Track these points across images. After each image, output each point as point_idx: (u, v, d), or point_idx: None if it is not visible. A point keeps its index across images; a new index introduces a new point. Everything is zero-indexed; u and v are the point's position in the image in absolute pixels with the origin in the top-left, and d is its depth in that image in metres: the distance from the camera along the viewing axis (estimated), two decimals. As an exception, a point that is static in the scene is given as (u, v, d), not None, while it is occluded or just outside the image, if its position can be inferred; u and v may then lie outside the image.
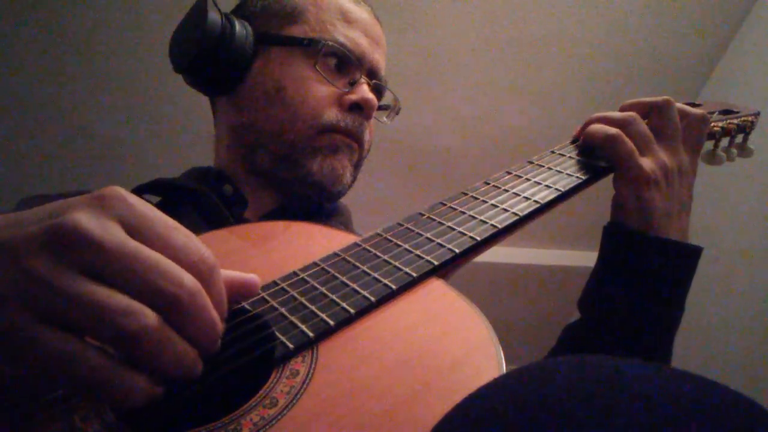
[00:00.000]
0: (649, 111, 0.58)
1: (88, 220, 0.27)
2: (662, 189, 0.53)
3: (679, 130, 0.56)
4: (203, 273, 0.30)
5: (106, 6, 1.12)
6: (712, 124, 0.66)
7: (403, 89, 0.83)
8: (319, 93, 0.65)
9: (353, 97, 0.65)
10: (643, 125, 0.55)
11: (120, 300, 0.26)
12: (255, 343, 0.36)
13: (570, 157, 0.58)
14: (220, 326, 0.31)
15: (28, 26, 1.10)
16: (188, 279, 0.28)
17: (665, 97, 0.57)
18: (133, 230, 0.29)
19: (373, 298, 0.39)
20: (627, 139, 0.53)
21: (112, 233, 0.27)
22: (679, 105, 0.58)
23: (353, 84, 0.67)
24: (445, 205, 0.51)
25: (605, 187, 0.59)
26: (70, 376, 0.26)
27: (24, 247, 0.26)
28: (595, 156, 0.57)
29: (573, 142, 0.61)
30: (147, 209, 0.30)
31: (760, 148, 0.77)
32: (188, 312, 0.28)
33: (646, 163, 0.53)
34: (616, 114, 0.57)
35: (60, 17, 1.11)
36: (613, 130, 0.54)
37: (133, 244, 0.28)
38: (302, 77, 0.65)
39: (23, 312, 0.25)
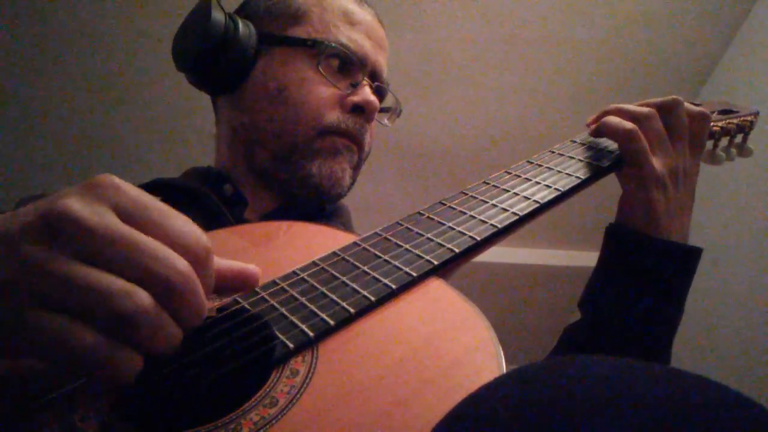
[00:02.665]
0: (658, 110, 0.57)
1: (79, 206, 0.27)
2: (668, 189, 0.53)
3: (686, 130, 0.56)
4: (198, 256, 0.30)
5: (106, 5, 1.12)
6: (712, 124, 0.66)
7: (404, 90, 0.83)
8: (322, 94, 0.65)
9: (355, 98, 0.65)
10: (659, 123, 0.54)
11: (115, 282, 0.26)
12: (255, 343, 0.36)
13: (570, 156, 0.58)
14: (206, 309, 0.31)
15: (28, 26, 1.10)
16: (181, 263, 0.29)
17: (674, 96, 0.56)
18: (127, 215, 0.29)
19: (373, 298, 0.39)
20: (643, 137, 0.53)
21: (104, 218, 0.27)
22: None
23: (355, 86, 0.67)
24: (444, 204, 0.51)
25: (605, 187, 0.59)
26: (67, 356, 0.26)
27: (19, 235, 0.27)
28: (595, 155, 0.57)
29: (573, 141, 0.61)
30: (140, 194, 0.30)
31: (759, 147, 0.77)
32: (180, 294, 0.28)
33: (656, 162, 0.53)
34: (635, 108, 0.55)
35: (60, 16, 1.11)
36: (629, 125, 0.53)
37: (125, 229, 0.28)
38: (304, 78, 0.65)
39: (21, 298, 0.26)
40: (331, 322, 0.37)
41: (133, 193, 0.30)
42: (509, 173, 0.56)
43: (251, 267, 0.37)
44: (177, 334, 0.29)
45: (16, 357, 0.27)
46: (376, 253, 0.45)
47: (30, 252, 0.26)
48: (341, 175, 0.66)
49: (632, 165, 0.53)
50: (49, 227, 0.27)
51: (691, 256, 0.53)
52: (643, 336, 0.53)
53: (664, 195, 0.53)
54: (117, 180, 0.30)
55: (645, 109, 0.55)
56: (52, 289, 0.26)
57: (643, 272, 0.52)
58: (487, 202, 0.51)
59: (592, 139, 0.60)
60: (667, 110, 0.56)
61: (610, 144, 0.59)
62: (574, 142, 0.61)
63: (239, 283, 0.36)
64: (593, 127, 0.59)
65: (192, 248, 0.30)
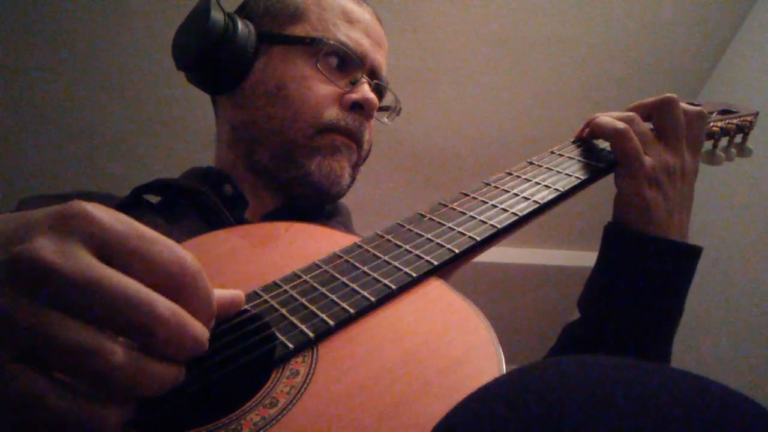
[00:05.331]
0: (653, 110, 0.58)
1: (48, 249, 0.25)
2: (664, 188, 0.54)
3: (683, 128, 0.56)
4: (185, 282, 0.28)
5: (106, 5, 1.12)
6: (711, 124, 0.66)
7: (403, 89, 0.83)
8: (321, 92, 0.65)
9: (354, 96, 0.65)
10: (642, 125, 0.55)
11: (85, 338, 0.25)
12: (255, 344, 0.36)
13: (569, 157, 0.58)
14: (206, 334, 0.29)
15: (28, 26, 1.10)
16: (161, 307, 0.26)
17: (668, 94, 0.57)
18: (103, 250, 0.27)
19: (372, 298, 0.39)
20: (634, 136, 0.53)
21: (78, 261, 0.25)
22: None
23: (354, 84, 0.67)
24: (445, 205, 0.51)
25: (605, 187, 0.59)
26: (41, 416, 0.24)
27: None
28: (595, 156, 0.57)
29: (573, 142, 0.61)
30: (116, 224, 0.27)
31: (759, 147, 0.77)
32: (165, 339, 0.27)
33: (649, 161, 0.53)
34: (617, 113, 0.57)
35: (60, 16, 1.11)
36: (621, 125, 0.54)
37: (101, 273, 0.26)
38: (304, 76, 0.65)
39: None
40: (331, 323, 0.37)
41: (108, 222, 0.27)
42: (509, 174, 0.56)
43: (235, 294, 0.36)
44: (169, 374, 0.28)
45: None
46: (376, 253, 0.45)
47: (0, 302, 0.24)
48: (340, 173, 0.66)
49: (624, 163, 0.54)
50: (16, 276, 0.25)
51: (690, 254, 0.53)
52: (642, 335, 0.53)
53: (660, 193, 0.53)
54: (89, 208, 0.27)
55: (627, 113, 0.56)
56: (23, 342, 0.24)
57: (641, 271, 0.52)
58: (487, 203, 0.51)
59: (591, 140, 0.61)
60: (662, 109, 0.56)
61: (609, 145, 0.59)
62: (574, 142, 0.61)
63: (223, 312, 0.35)
64: (587, 131, 0.60)
65: (176, 276, 0.28)
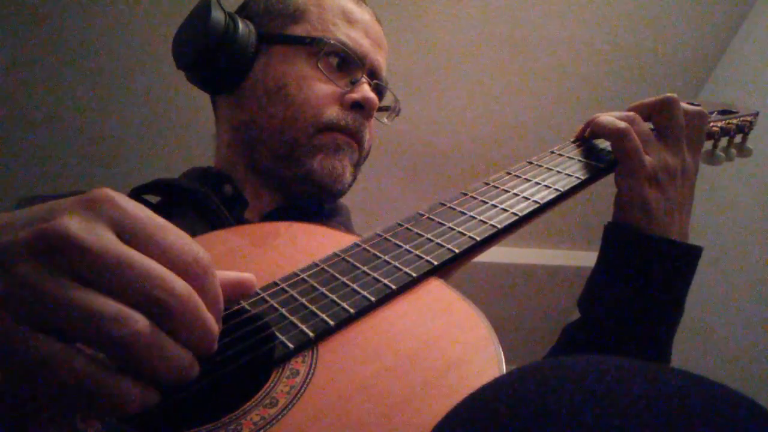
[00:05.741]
0: (653, 110, 0.58)
1: (77, 225, 0.26)
2: (665, 187, 0.54)
3: (683, 128, 0.56)
4: (198, 274, 0.29)
5: (106, 5, 1.12)
6: (711, 125, 0.66)
7: (403, 89, 0.83)
8: (321, 91, 0.65)
9: (354, 95, 0.66)
10: (643, 125, 0.55)
11: (109, 305, 0.26)
12: (255, 344, 0.36)
13: (569, 157, 0.58)
14: (216, 327, 0.30)
15: (28, 25, 1.10)
16: (179, 285, 0.28)
17: (669, 94, 0.57)
18: (124, 233, 0.28)
19: (372, 298, 0.39)
20: (635, 135, 0.53)
21: (102, 238, 0.26)
22: None
23: (354, 83, 0.67)
24: (444, 205, 0.51)
25: (605, 187, 0.59)
26: (55, 382, 0.25)
27: (13, 252, 0.26)
28: (595, 156, 0.57)
29: (573, 142, 0.61)
30: (138, 211, 0.29)
31: (759, 147, 0.78)
32: (180, 318, 0.27)
33: (649, 161, 0.53)
34: (618, 113, 0.57)
35: (60, 16, 1.11)
36: (622, 124, 0.54)
37: (123, 250, 0.27)
38: (304, 76, 0.65)
39: (11, 317, 0.25)
40: (331, 323, 0.37)
41: (131, 208, 0.29)
42: (509, 174, 0.56)
43: (247, 276, 0.36)
44: (184, 357, 0.28)
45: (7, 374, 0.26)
46: (376, 253, 0.45)
47: (23, 271, 0.25)
48: (342, 171, 0.66)
49: (625, 163, 0.54)
50: (45, 247, 0.26)
51: (691, 254, 0.53)
52: (642, 335, 0.53)
53: (660, 192, 0.53)
54: (114, 195, 0.29)
55: (627, 113, 0.56)
56: (44, 310, 0.25)
57: (641, 270, 0.52)
58: (487, 203, 0.51)
59: (591, 140, 0.61)
60: (662, 109, 0.56)
61: (610, 145, 0.59)
62: (574, 142, 0.61)
63: (236, 294, 0.36)
64: (587, 130, 0.60)
65: (190, 266, 0.29)
